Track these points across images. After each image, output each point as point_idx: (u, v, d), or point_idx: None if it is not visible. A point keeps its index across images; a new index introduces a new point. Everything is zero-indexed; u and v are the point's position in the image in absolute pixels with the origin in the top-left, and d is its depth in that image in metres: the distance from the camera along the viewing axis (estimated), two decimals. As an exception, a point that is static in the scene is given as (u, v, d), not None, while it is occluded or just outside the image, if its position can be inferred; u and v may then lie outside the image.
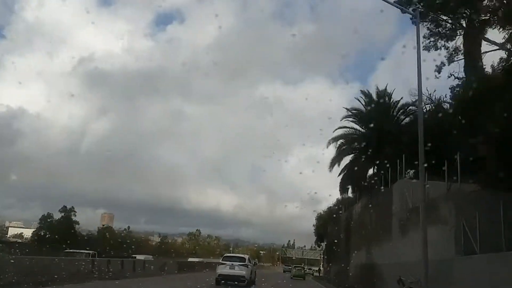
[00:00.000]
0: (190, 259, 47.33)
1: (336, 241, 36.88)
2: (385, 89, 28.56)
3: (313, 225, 62.45)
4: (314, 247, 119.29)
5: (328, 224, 50.73)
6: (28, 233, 76.90)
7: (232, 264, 20.84)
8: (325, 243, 59.02)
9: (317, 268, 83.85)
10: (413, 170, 20.10)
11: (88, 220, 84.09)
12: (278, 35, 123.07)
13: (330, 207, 53.39)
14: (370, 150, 24.50)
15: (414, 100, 22.21)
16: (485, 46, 17.97)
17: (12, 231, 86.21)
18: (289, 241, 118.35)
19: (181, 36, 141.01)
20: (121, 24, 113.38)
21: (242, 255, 24.21)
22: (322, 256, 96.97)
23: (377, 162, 22.98)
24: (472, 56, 17.81)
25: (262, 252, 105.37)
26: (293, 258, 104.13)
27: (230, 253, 44.01)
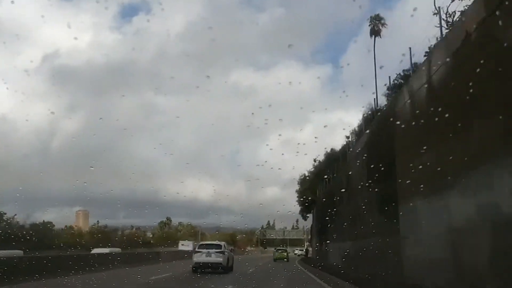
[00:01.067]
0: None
1: (332, 210, 25.21)
2: None
3: (296, 191, 49.95)
4: (296, 226, 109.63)
5: (316, 186, 39.24)
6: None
7: (208, 251, 20.87)
8: (314, 213, 47.24)
9: (303, 249, 72.94)
10: None
11: (64, 218, 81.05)
12: (248, 21, 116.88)
13: (316, 164, 41.80)
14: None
15: None
16: None
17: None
18: (268, 221, 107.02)
19: (148, 27, 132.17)
20: (85, 17, 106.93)
21: (218, 242, 23.30)
22: (306, 234, 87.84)
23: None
24: None
25: (238, 236, 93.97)
26: (274, 238, 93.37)
27: (200, 239, 45.03)
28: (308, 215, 54.71)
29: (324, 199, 32.28)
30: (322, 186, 35.88)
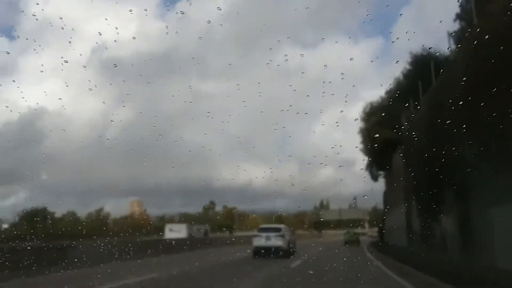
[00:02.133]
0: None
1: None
2: None
3: (359, 132, 33.94)
4: (354, 205, 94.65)
5: (398, 117, 23.69)
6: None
7: (268, 235, 20.34)
8: (394, 167, 29.36)
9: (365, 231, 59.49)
10: None
11: (119, 209, 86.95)
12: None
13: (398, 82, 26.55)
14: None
15: None
16: None
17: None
18: (321, 201, 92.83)
19: (191, 12, 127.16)
20: (129, 8, 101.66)
21: (277, 225, 22.31)
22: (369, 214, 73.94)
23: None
24: None
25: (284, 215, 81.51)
26: (329, 220, 79.42)
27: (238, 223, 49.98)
28: (381, 172, 37.35)
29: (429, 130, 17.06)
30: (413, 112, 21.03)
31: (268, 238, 20.17)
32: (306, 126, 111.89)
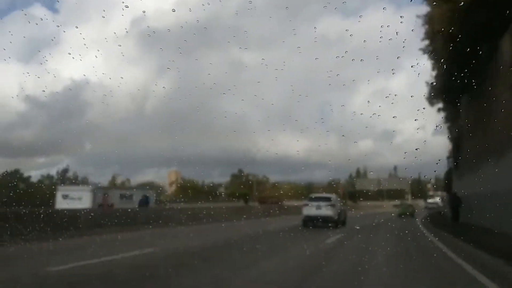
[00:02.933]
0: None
1: None
2: None
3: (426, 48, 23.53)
4: (394, 173, 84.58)
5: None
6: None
7: (319, 204, 20.07)
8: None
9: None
10: None
11: (158, 179, 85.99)
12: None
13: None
14: None
15: None
16: None
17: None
18: (358, 169, 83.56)
19: None
20: None
21: (328, 195, 22.20)
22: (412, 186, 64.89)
23: None
24: None
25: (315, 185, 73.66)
26: (368, 190, 70.50)
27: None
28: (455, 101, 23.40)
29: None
30: None
31: (318, 207, 19.89)
32: (347, 96, 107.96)
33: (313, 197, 21.85)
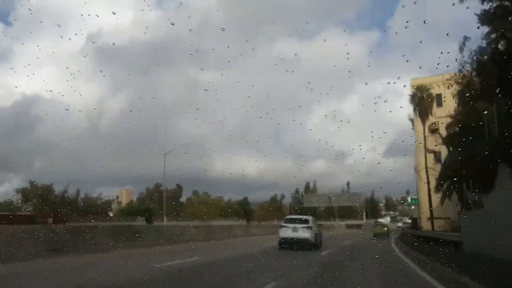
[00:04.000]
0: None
1: None
2: None
3: None
4: (347, 189, 75.97)
5: None
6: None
7: (295, 226, 19.60)
8: None
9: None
10: None
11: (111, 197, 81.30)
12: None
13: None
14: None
15: None
16: None
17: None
18: (307, 183, 74.29)
19: (190, 2, 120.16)
20: None
21: (305, 217, 21.44)
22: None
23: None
24: None
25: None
26: (315, 207, 60.98)
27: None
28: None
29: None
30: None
31: (295, 229, 19.46)
32: (301, 118, 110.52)
33: (290, 218, 21.79)
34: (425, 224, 39.54)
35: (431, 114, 38.83)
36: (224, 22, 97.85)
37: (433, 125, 40.09)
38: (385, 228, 41.23)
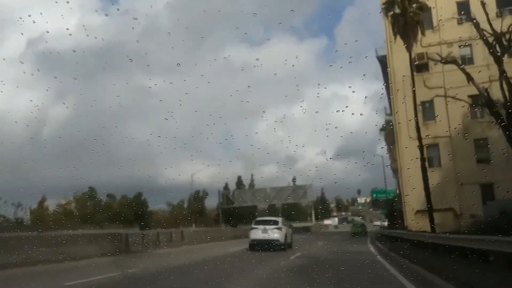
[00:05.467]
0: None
1: None
2: None
3: None
4: (293, 182, 60.73)
5: None
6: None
7: (265, 228, 19.70)
8: None
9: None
10: None
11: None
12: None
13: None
14: None
15: None
16: None
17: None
18: (239, 177, 57.66)
19: (135, 7, 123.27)
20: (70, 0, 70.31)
21: (275, 218, 21.70)
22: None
23: None
24: None
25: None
26: (251, 207, 44.55)
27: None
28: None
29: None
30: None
31: (265, 231, 19.53)
32: (250, 124, 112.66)
33: (260, 220, 21.76)
34: (415, 222, 24.13)
35: (416, 42, 23.35)
36: (171, 27, 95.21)
37: (420, 58, 24.99)
38: (362, 228, 42.29)
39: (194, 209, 45.70)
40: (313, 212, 67.44)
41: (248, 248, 19.23)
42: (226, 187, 51.53)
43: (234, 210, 47.97)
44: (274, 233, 19.24)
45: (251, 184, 60.43)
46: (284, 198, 48.75)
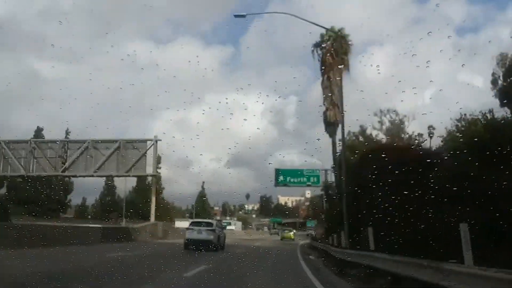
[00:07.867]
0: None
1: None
2: None
3: None
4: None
5: None
6: None
7: (200, 229, 21.59)
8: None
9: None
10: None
11: None
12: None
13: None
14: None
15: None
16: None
17: None
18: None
19: None
20: None
21: (209, 220, 24.69)
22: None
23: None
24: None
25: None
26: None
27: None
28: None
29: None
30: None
31: (199, 231, 21.22)
32: (148, 123, 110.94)
33: (195, 221, 23.60)
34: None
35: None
36: (73, 8, 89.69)
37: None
38: (292, 233, 48.04)
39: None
40: (194, 213, 69.26)
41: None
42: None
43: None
44: (208, 234, 21.06)
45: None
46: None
